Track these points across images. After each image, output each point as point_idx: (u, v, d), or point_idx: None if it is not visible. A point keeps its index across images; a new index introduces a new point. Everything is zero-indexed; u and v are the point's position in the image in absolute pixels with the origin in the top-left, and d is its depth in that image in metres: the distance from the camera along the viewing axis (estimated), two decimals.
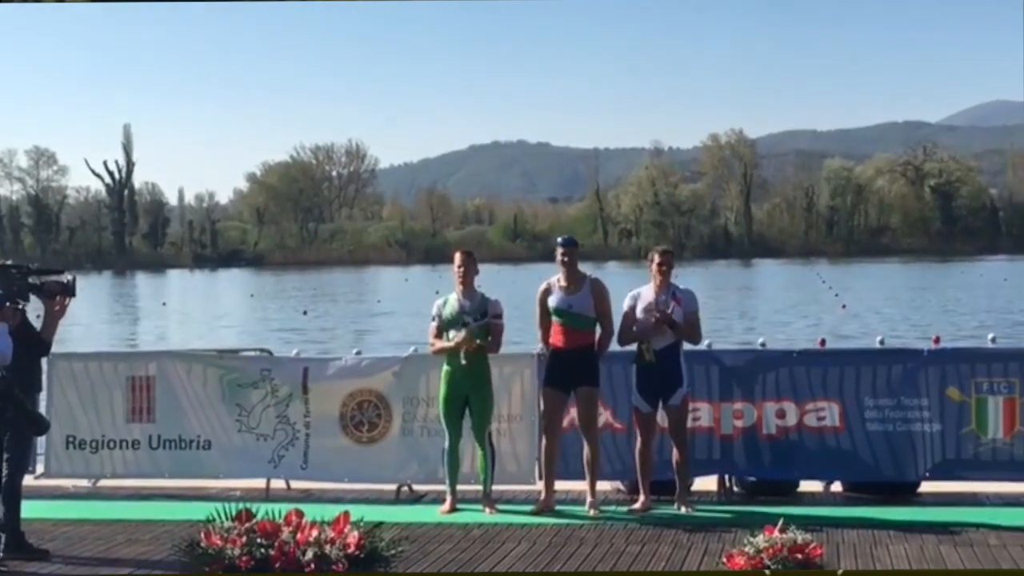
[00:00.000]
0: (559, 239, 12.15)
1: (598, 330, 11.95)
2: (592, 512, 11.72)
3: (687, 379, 11.86)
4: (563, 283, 11.90)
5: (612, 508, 11.96)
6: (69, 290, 10.31)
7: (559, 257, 11.91)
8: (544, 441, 12.06)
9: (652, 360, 11.73)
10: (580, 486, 12.11)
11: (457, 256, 12.08)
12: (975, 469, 12.24)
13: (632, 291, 12.04)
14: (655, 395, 11.82)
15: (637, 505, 11.88)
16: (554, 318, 11.89)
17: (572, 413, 12.14)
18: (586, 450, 11.91)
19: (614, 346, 11.99)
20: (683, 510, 11.71)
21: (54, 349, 10.90)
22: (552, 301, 11.89)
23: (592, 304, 11.84)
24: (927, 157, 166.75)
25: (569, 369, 11.83)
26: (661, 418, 11.98)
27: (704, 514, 11.63)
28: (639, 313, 11.85)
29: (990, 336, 16.67)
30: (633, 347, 11.94)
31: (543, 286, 12.04)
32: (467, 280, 11.96)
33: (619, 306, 11.98)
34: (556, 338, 11.91)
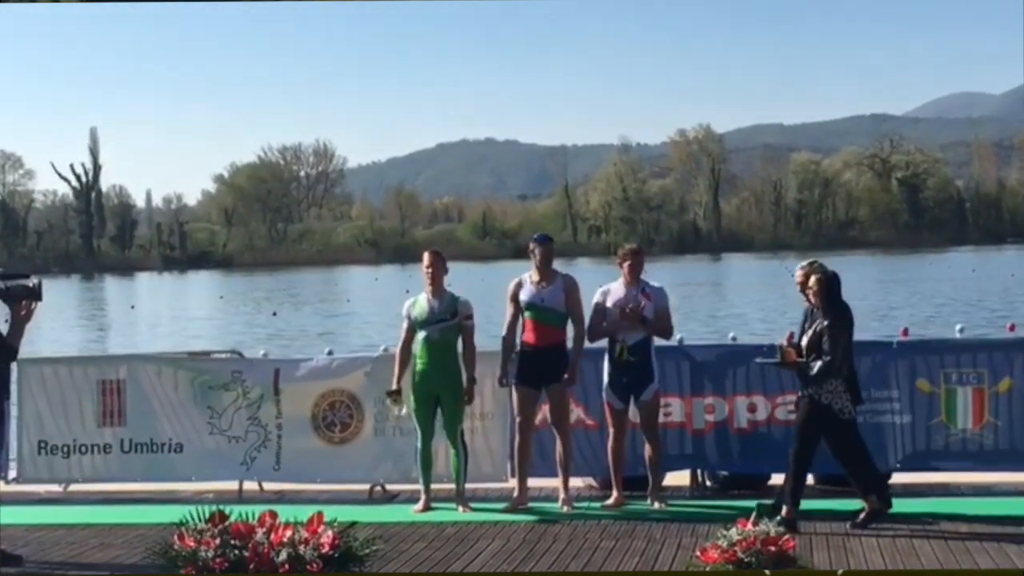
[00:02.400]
0: (535, 236, 12.20)
1: (569, 329, 11.98)
2: (565, 508, 11.75)
3: (658, 374, 11.90)
4: (535, 278, 11.93)
5: (585, 504, 11.98)
6: (35, 294, 10.24)
7: (533, 253, 11.94)
8: (516, 438, 12.08)
9: (628, 359, 11.75)
10: (553, 483, 12.14)
11: (426, 256, 12.08)
12: (946, 459, 12.32)
13: (602, 287, 12.07)
14: (627, 391, 11.84)
15: (610, 501, 11.90)
16: (526, 314, 11.91)
17: (544, 410, 12.17)
18: (558, 446, 11.94)
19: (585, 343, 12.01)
20: (656, 505, 11.74)
21: (22, 354, 10.84)
22: (524, 296, 11.91)
23: (563, 299, 11.87)
24: (894, 149, 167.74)
25: (540, 366, 11.84)
26: (633, 414, 12.01)
27: (677, 509, 11.67)
28: (610, 308, 11.88)
29: (958, 327, 16.75)
30: (602, 343, 11.97)
31: (514, 281, 12.06)
32: (436, 280, 11.97)
33: (589, 301, 12.01)
34: (527, 334, 11.93)
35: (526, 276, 12.04)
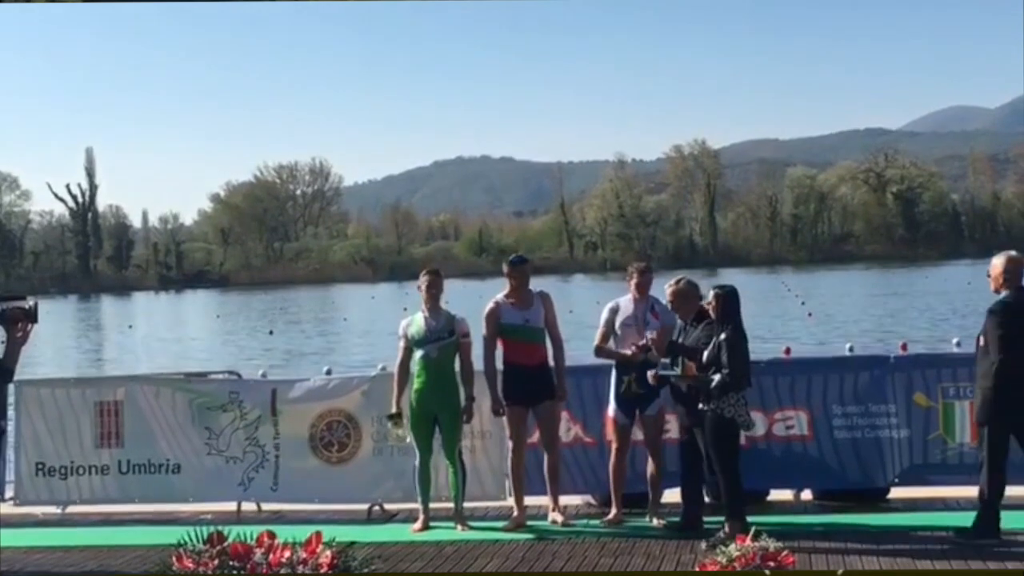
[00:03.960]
0: (510, 258, 12.21)
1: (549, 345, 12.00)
2: (559, 520, 11.74)
3: (662, 391, 11.88)
4: (513, 300, 11.93)
5: (583, 522, 11.96)
6: (31, 316, 10.22)
7: (510, 276, 11.94)
8: (511, 459, 12.08)
9: (636, 392, 11.74)
10: (549, 500, 12.11)
11: (422, 276, 12.09)
12: (943, 474, 12.31)
13: (611, 303, 12.04)
14: (632, 406, 11.84)
15: (609, 517, 11.89)
16: (510, 336, 11.90)
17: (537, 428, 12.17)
18: (547, 460, 11.96)
19: (581, 360, 12.01)
20: (655, 522, 11.72)
21: (19, 375, 10.83)
22: (505, 319, 11.91)
23: (543, 317, 11.92)
24: (889, 164, 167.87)
25: (529, 384, 11.86)
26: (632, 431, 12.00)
27: (674, 524, 11.65)
28: (618, 328, 11.88)
29: (955, 341, 16.80)
30: (605, 361, 11.96)
31: (491, 306, 12.04)
32: (433, 299, 11.98)
33: (582, 317, 12.00)
34: (514, 355, 11.92)
35: (501, 298, 12.03)
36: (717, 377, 10.78)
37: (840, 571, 9.22)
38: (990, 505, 10.53)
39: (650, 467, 11.95)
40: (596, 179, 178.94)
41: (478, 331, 12.11)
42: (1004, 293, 10.60)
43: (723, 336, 10.84)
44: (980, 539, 10.41)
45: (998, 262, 10.77)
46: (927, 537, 10.71)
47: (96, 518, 13.17)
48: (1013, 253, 10.88)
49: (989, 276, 10.81)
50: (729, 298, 10.99)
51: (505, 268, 12.09)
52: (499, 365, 12.05)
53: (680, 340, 11.21)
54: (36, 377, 14.68)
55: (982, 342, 10.60)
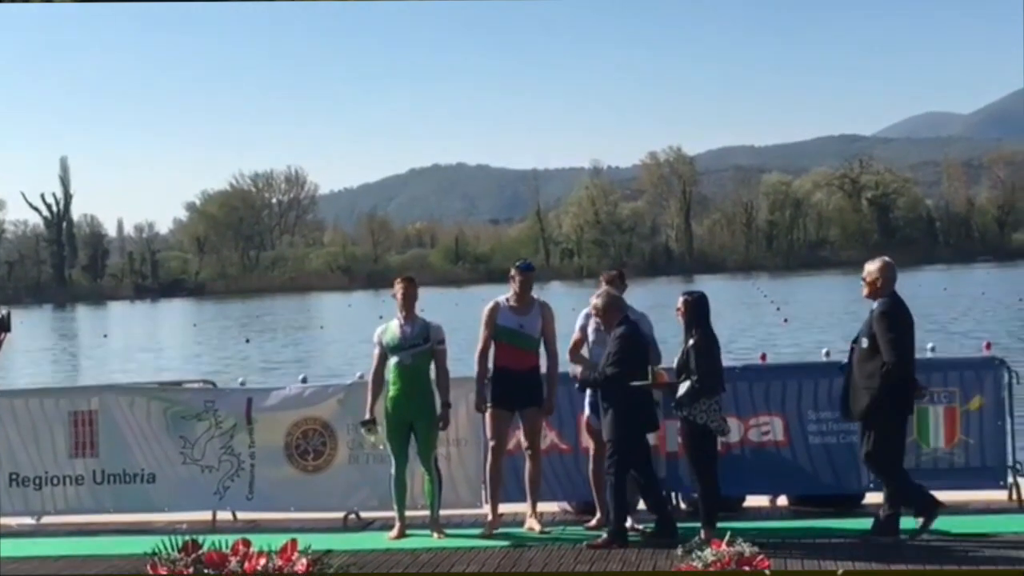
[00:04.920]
0: (517, 263, 12.21)
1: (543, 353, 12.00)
2: (536, 528, 11.75)
3: None
4: (513, 303, 11.94)
5: (560, 528, 11.97)
6: (4, 326, 10.21)
7: (514, 279, 11.95)
8: (489, 462, 12.05)
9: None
10: (527, 508, 12.10)
11: (397, 283, 12.09)
12: (918, 478, 12.25)
13: (585, 309, 12.05)
14: None
15: (592, 522, 11.89)
16: (502, 338, 11.91)
17: (518, 435, 12.17)
18: (529, 467, 11.96)
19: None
20: (638, 526, 11.72)
21: None
22: (501, 321, 11.92)
23: (540, 326, 11.91)
24: (863, 170, 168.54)
25: (516, 390, 11.86)
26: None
27: (651, 531, 11.65)
28: (590, 333, 11.89)
29: (929, 346, 16.87)
30: (576, 368, 11.97)
31: (490, 305, 12.07)
32: (408, 307, 11.97)
33: (563, 325, 12.02)
34: (503, 359, 11.94)
35: (502, 300, 12.04)
36: (686, 385, 10.81)
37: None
38: (896, 504, 10.90)
39: None
40: (572, 186, 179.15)
41: (454, 338, 12.11)
42: (882, 299, 10.86)
43: (691, 342, 10.89)
44: (880, 537, 10.73)
45: (874, 268, 11.09)
46: (902, 542, 10.74)
47: (71, 528, 13.11)
48: (887, 259, 11.21)
49: (864, 281, 11.07)
50: (697, 304, 11.05)
51: (512, 272, 12.09)
52: (490, 365, 12.05)
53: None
54: (9, 387, 14.61)
55: (865, 344, 10.80)
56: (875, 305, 10.92)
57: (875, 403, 10.72)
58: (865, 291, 11.07)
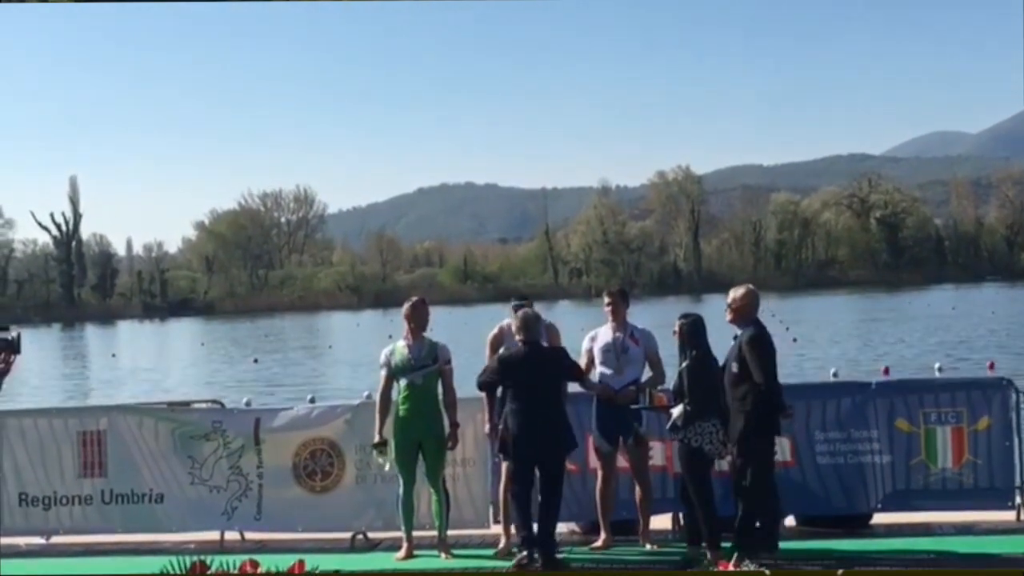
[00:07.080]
0: (512, 302, 12.20)
1: None
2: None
3: (645, 417, 11.88)
4: (516, 327, 11.93)
5: (568, 549, 11.95)
6: (14, 347, 10.22)
7: (515, 312, 11.90)
8: (504, 483, 11.96)
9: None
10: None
11: (406, 305, 12.12)
12: (926, 499, 12.34)
13: (591, 332, 12.08)
14: (614, 433, 11.83)
15: (599, 543, 11.89)
16: None
17: None
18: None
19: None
20: (648, 547, 11.72)
21: (2, 406, 10.83)
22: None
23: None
24: (872, 189, 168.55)
25: None
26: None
27: (660, 552, 11.65)
28: (597, 354, 11.90)
29: (936, 366, 16.87)
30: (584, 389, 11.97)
31: (495, 331, 12.08)
32: (416, 328, 11.99)
33: (574, 345, 12.05)
34: None
35: (506, 324, 12.04)
36: (679, 408, 10.84)
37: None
38: (772, 525, 11.08)
39: (637, 493, 11.95)
40: (580, 205, 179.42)
41: (461, 358, 12.12)
42: (747, 326, 11.04)
43: (684, 364, 10.93)
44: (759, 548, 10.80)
45: (739, 295, 11.29)
46: (910, 560, 10.74)
47: (79, 548, 13.12)
48: (751, 287, 11.47)
49: (729, 307, 11.25)
50: (692, 327, 11.10)
51: (510, 310, 12.07)
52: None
53: None
54: (18, 407, 14.63)
55: (735, 368, 10.89)
56: (740, 332, 11.04)
57: (749, 425, 10.80)
58: (729, 316, 11.24)
